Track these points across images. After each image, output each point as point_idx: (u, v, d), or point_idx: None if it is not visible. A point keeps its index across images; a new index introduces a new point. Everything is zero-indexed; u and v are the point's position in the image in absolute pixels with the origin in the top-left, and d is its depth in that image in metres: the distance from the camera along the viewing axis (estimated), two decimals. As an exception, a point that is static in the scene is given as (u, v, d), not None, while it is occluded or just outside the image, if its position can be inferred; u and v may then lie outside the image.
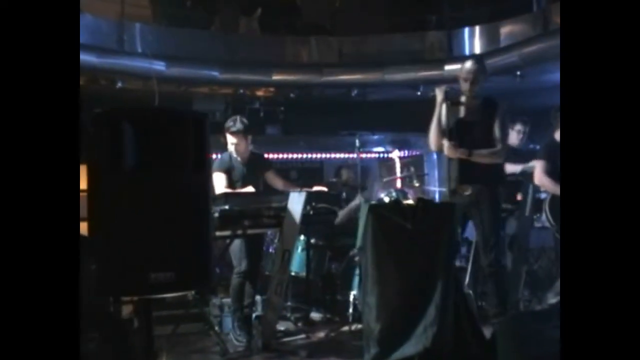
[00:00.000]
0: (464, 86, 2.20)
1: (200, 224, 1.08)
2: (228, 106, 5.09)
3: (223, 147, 2.58)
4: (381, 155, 6.28)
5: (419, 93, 4.79)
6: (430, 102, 2.28)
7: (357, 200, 2.79)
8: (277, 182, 2.77)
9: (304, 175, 5.73)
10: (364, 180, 5.50)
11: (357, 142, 2.98)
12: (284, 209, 2.24)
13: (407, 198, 3.05)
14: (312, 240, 3.09)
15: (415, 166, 4.31)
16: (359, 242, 2.00)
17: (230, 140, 2.67)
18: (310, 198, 2.34)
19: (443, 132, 2.22)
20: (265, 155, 2.80)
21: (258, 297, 2.75)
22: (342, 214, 2.89)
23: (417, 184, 3.52)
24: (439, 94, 2.22)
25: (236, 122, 2.65)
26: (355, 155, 3.24)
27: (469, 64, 2.21)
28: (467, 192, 2.21)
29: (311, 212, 2.45)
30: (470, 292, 2.43)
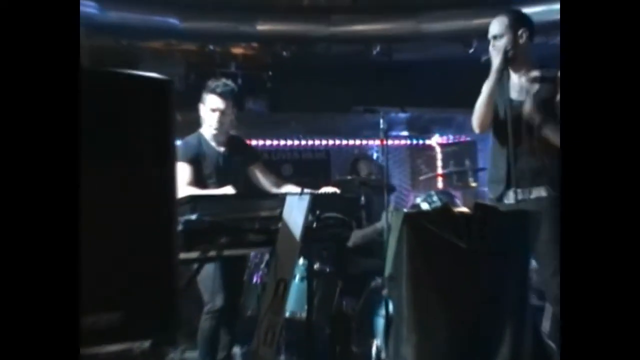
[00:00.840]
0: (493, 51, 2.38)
1: (161, 241, 1.03)
2: (190, 70, 4.99)
3: (184, 132, 2.65)
4: (415, 141, 6.35)
5: (471, 51, 4.66)
6: (486, 67, 2.32)
7: (382, 220, 2.85)
8: (267, 181, 2.83)
9: (302, 170, 5.76)
10: (392, 178, 5.60)
11: (382, 123, 2.98)
12: (278, 219, 2.24)
13: (455, 204, 3.14)
14: (317, 266, 3.22)
15: (466, 157, 4.22)
16: (388, 268, 2.05)
17: (211, 107, 2.68)
18: (315, 204, 2.33)
19: (496, 110, 2.43)
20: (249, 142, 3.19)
21: (237, 350, 2.82)
22: (359, 235, 3.08)
23: (472, 183, 3.47)
24: (497, 54, 2.25)
25: (223, 82, 2.70)
26: (377, 143, 3.34)
27: (496, 21, 2.25)
28: (532, 195, 2.21)
29: (315, 225, 2.44)
30: (552, 344, 2.37)
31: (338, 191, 2.76)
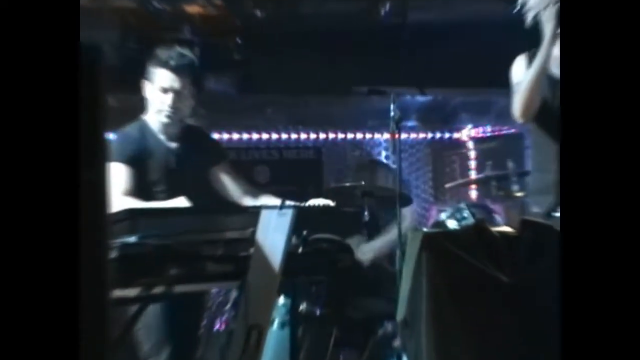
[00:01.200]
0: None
1: (87, 274, 1.08)
2: (128, 35, 4.93)
3: (119, 122, 2.65)
4: (439, 135, 6.38)
5: (515, 10, 4.68)
6: (535, 33, 2.35)
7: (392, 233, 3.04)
8: (236, 189, 2.91)
9: (284, 174, 5.81)
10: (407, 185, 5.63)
11: (393, 110, 2.99)
12: (249, 243, 2.28)
13: (493, 222, 3.21)
14: (303, 307, 3.25)
15: (509, 157, 4.14)
16: (401, 310, 2.14)
17: (162, 85, 2.67)
18: (301, 221, 2.42)
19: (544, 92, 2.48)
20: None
21: None
22: (370, 248, 3.27)
23: (518, 193, 3.45)
24: (552, 18, 2.27)
25: (178, 53, 2.72)
26: (386, 137, 3.39)
27: None
28: None
29: (301, 250, 2.55)
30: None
31: (332, 204, 2.84)
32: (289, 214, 2.35)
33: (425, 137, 6.40)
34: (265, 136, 6.14)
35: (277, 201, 2.75)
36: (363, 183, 3.75)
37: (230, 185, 2.90)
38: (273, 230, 2.35)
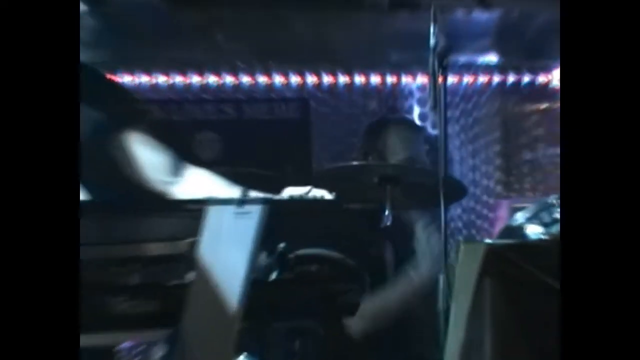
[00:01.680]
0: None
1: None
2: None
3: None
4: (513, 79, 6.35)
5: None
6: None
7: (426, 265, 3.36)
8: (160, 169, 3.02)
9: (244, 146, 5.91)
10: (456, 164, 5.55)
11: (433, 35, 3.02)
12: (185, 264, 2.36)
13: None
14: None
15: None
16: None
17: None
18: (274, 227, 2.56)
19: None
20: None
21: None
22: (379, 305, 3.54)
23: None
24: None
25: None
26: (423, 80, 3.32)
27: None
28: None
29: (275, 277, 2.75)
30: None
31: (328, 196, 2.97)
32: (253, 214, 2.45)
33: (490, 83, 6.18)
34: (212, 80, 5.99)
35: (234, 191, 2.81)
36: (382, 161, 3.81)
37: (150, 165, 2.98)
38: (227, 241, 2.42)
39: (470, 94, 6.10)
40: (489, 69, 6.07)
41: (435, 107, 3.04)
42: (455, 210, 5.85)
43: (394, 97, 6.14)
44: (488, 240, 3.04)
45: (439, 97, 3.03)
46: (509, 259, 2.41)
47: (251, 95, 6.06)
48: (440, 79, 3.02)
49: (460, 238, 4.42)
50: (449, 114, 3.19)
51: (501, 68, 6.08)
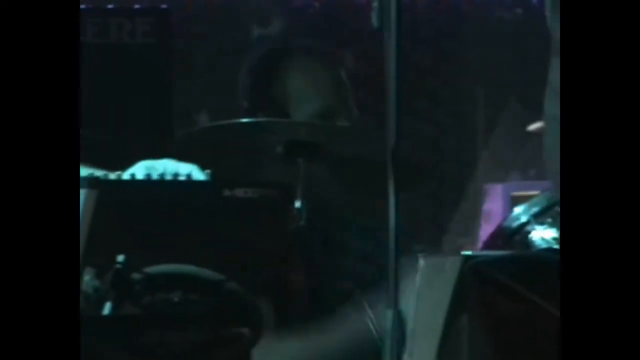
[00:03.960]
0: None
1: None
2: None
3: None
4: None
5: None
6: None
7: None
8: None
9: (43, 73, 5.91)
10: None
11: None
12: None
13: None
14: None
15: None
16: None
17: None
18: (109, 226, 2.76)
19: None
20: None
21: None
22: None
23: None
24: None
25: None
26: None
27: None
28: None
29: (109, 310, 2.88)
30: None
31: (202, 176, 3.08)
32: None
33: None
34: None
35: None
36: (293, 115, 3.84)
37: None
38: None
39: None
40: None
41: (380, 26, 2.74)
42: (416, 201, 5.43)
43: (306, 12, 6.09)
44: (465, 252, 2.91)
45: (385, 8, 2.75)
46: (497, 280, 2.50)
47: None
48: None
49: (418, 248, 4.16)
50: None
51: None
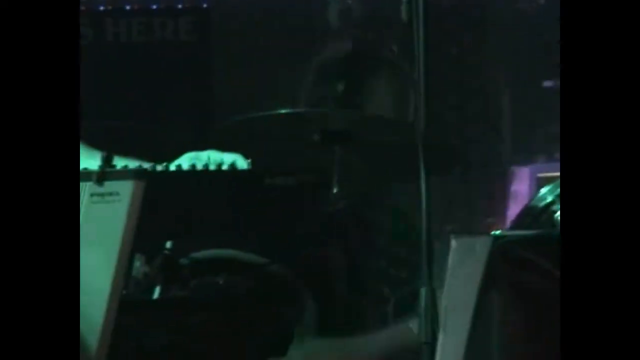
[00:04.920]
0: None
1: None
2: None
3: None
4: None
5: None
6: None
7: None
8: None
9: (108, 90, 5.72)
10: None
11: None
12: None
13: None
14: None
15: None
16: None
17: None
18: (159, 211, 2.73)
19: None
20: None
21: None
22: None
23: None
24: None
25: None
26: None
27: None
28: None
29: (159, 294, 2.90)
30: None
31: (244, 164, 3.11)
32: (121, 195, 2.55)
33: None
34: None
35: (91, 161, 2.84)
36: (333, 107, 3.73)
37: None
38: (83, 239, 2.43)
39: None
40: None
41: (409, 19, 2.87)
42: (448, 185, 5.45)
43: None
44: (495, 232, 2.89)
45: (414, 5, 2.88)
46: (526, 258, 2.48)
47: (118, 4, 5.88)
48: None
49: (450, 228, 4.19)
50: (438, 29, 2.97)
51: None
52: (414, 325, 3.12)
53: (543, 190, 3.70)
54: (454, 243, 2.55)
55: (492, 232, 2.88)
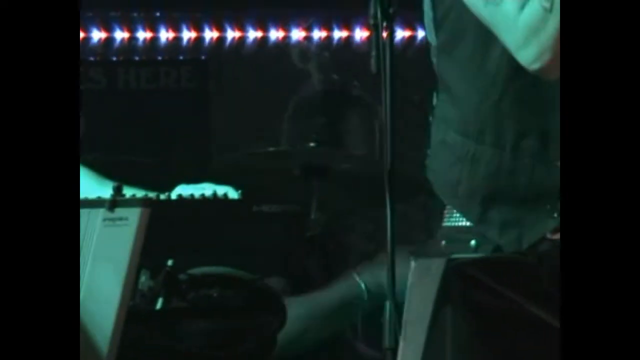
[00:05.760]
0: None
1: None
2: None
3: None
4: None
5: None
6: None
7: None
8: None
9: (115, 122, 5.84)
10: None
11: None
12: None
13: None
14: None
15: None
16: None
17: None
18: (161, 235, 2.77)
19: None
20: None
21: None
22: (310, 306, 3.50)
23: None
24: None
25: None
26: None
27: None
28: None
29: (161, 305, 2.95)
30: None
31: (235, 195, 3.13)
32: (130, 220, 2.60)
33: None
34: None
35: (103, 190, 2.90)
36: (312, 144, 3.83)
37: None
38: (93, 257, 2.56)
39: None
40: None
41: (378, 70, 2.97)
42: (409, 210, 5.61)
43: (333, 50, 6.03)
44: (455, 255, 2.82)
45: (382, 56, 2.96)
46: (476, 278, 2.49)
47: (128, 55, 6.16)
48: (384, 32, 2.95)
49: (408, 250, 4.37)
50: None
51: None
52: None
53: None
54: (413, 264, 2.62)
55: (447, 254, 3.01)
